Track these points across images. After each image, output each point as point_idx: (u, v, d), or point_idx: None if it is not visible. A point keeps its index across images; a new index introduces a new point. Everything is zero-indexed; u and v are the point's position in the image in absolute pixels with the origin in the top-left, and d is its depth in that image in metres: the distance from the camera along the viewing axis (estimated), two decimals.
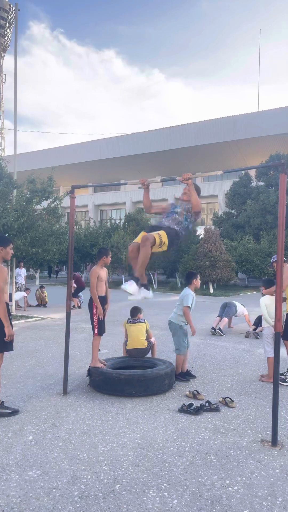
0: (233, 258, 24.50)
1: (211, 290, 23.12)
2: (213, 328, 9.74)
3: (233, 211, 33.24)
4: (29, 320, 11.42)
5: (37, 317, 11.95)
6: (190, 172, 4.48)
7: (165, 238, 4.20)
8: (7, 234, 10.93)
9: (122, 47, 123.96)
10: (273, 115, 38.97)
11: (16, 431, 3.94)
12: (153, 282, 27.70)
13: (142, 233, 4.35)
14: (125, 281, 4.33)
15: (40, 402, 4.79)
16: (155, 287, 27.20)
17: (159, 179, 4.71)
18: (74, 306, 14.55)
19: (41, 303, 14.93)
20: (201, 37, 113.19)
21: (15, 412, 4.37)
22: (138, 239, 4.34)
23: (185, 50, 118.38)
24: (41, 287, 15.42)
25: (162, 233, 4.21)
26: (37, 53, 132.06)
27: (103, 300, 5.59)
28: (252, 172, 35.43)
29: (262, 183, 31.53)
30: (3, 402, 4.40)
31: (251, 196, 31.16)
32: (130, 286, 4.11)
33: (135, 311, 6.06)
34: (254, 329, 9.79)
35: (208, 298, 20.47)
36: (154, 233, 4.16)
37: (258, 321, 9.94)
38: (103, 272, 5.62)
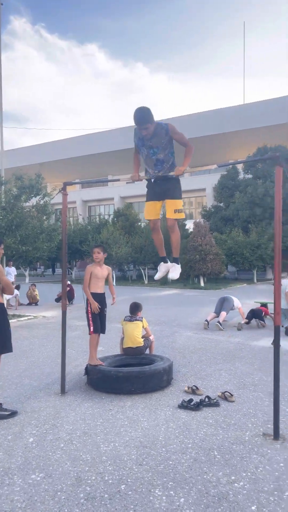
0: (223, 251, 24.61)
1: (202, 284, 23.20)
2: (206, 321, 9.75)
3: (221, 204, 33.38)
4: (22, 319, 11.31)
5: (30, 315, 11.85)
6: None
7: (180, 205, 4.34)
8: None
9: (105, 41, 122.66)
10: (259, 108, 39.05)
11: (16, 433, 3.89)
12: (144, 277, 27.68)
13: (148, 207, 4.49)
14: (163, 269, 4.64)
15: (38, 402, 4.74)
16: (146, 282, 27.20)
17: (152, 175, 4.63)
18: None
19: (33, 301, 14.80)
20: (183, 30, 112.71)
21: (13, 413, 4.31)
22: (149, 215, 4.50)
23: (168, 43, 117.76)
24: (32, 285, 15.29)
25: (176, 203, 4.31)
26: (19, 48, 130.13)
27: (97, 297, 5.52)
28: (240, 165, 35.52)
29: (249, 176, 31.69)
30: (1, 404, 4.34)
31: (239, 188, 31.34)
32: (176, 272, 4.46)
33: (135, 308, 6.01)
34: (247, 323, 9.85)
35: (200, 291, 20.54)
36: (174, 214, 4.27)
37: (251, 315, 10.00)
38: (99, 270, 5.55)
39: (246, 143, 39.44)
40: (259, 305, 10.62)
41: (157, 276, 4.73)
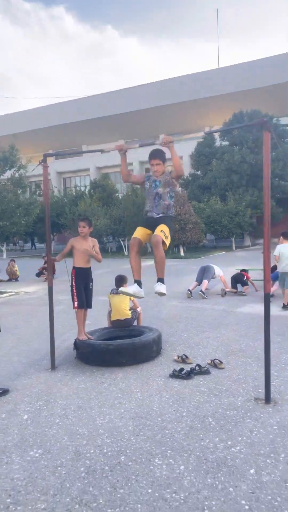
0: (202, 220, 24.66)
1: (182, 253, 23.31)
2: (189, 290, 9.83)
3: (198, 172, 33.15)
4: (3, 295, 11.15)
5: (11, 292, 11.68)
6: (166, 134, 4.33)
7: (168, 232, 4.34)
8: None
9: (72, 3, 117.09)
10: (233, 72, 38.40)
11: (10, 411, 3.86)
12: (124, 249, 27.61)
13: (139, 229, 4.46)
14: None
15: (29, 379, 4.70)
16: (126, 253, 27.14)
17: (137, 144, 4.50)
18: (46, 279, 14.31)
19: (13, 277, 14.59)
20: None
21: (5, 392, 4.27)
22: (137, 234, 4.42)
23: (137, 4, 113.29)
24: (11, 260, 15.02)
25: (165, 228, 4.32)
26: None
27: (82, 271, 5.43)
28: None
29: (226, 143, 31.43)
30: None
31: (216, 156, 31.11)
32: (163, 288, 4.34)
33: (120, 281, 5.96)
34: (235, 292, 9.99)
35: (180, 261, 20.64)
36: (160, 233, 4.23)
37: (235, 282, 10.12)
38: (83, 243, 5.43)
39: (222, 109, 38.93)
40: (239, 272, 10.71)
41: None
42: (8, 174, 12.05)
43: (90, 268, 5.53)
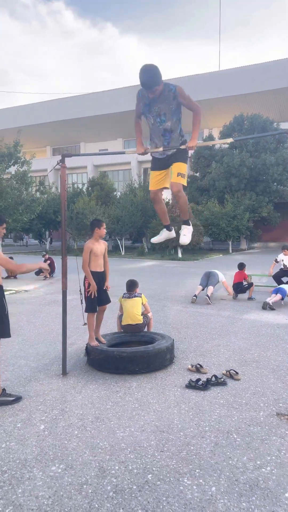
0: (200, 222, 24.61)
1: (180, 255, 23.23)
2: (195, 295, 9.72)
3: (197, 174, 33.12)
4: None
5: (11, 290, 11.49)
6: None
7: (185, 169, 4.16)
8: None
9: None
10: (234, 75, 38.45)
11: (25, 421, 3.72)
12: (121, 248, 27.47)
13: (153, 177, 4.34)
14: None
15: (40, 385, 4.56)
16: (123, 253, 27.01)
17: (161, 148, 4.36)
18: (46, 277, 14.14)
19: (11, 274, 14.35)
20: None
21: (18, 399, 4.13)
22: (153, 186, 4.36)
23: (138, 2, 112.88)
24: (10, 258, 14.79)
25: (181, 166, 4.10)
26: None
27: (97, 275, 5.30)
28: (216, 134, 35.18)
29: (226, 145, 31.41)
30: (4, 389, 4.14)
31: (215, 158, 31.09)
32: (187, 236, 4.49)
33: (132, 285, 5.85)
34: (234, 297, 9.90)
35: (178, 263, 20.57)
36: (178, 178, 4.05)
37: (237, 289, 10.01)
38: (98, 246, 5.29)
39: (222, 111, 38.96)
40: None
41: (155, 239, 4.77)
42: (12, 170, 11.86)
43: (104, 271, 5.40)
